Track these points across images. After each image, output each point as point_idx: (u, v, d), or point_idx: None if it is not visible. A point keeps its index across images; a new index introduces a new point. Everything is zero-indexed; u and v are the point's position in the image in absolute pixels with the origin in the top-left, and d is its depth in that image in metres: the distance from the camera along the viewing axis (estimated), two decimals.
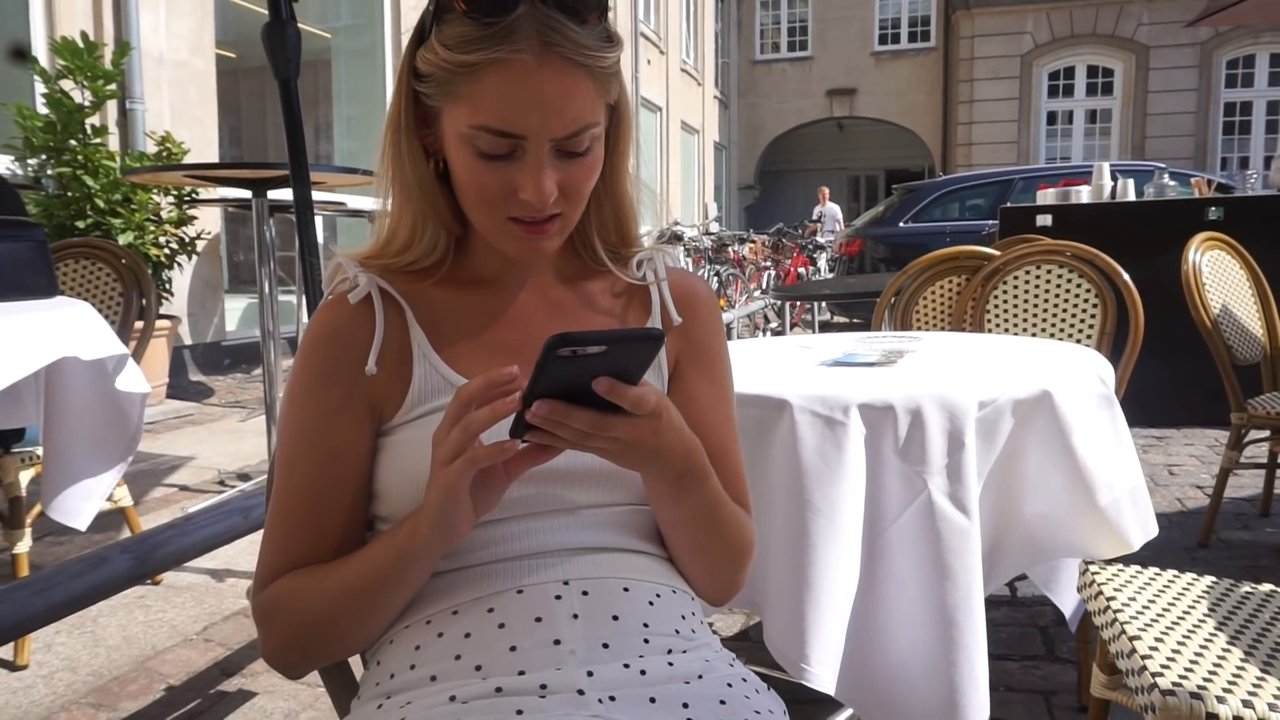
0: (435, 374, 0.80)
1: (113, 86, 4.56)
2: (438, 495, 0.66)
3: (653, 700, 0.71)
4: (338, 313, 0.80)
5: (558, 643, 0.72)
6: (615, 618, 0.75)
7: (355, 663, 0.85)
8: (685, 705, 0.71)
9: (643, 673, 0.72)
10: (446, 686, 0.71)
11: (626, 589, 0.77)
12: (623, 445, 0.65)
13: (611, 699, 0.70)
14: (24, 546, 1.99)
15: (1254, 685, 0.97)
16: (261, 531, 0.82)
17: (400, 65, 0.78)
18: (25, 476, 2.04)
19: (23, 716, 1.74)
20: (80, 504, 1.84)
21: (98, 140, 4.51)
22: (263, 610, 0.77)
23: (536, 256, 0.79)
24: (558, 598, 0.74)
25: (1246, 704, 0.92)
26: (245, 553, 2.49)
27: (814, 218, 13.83)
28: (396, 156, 0.79)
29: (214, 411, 4.73)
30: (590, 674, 0.71)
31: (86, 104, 4.44)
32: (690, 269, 8.37)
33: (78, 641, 2.05)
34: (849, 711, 1.64)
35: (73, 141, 4.39)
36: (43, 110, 4.43)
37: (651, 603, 0.77)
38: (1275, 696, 0.94)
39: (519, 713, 0.67)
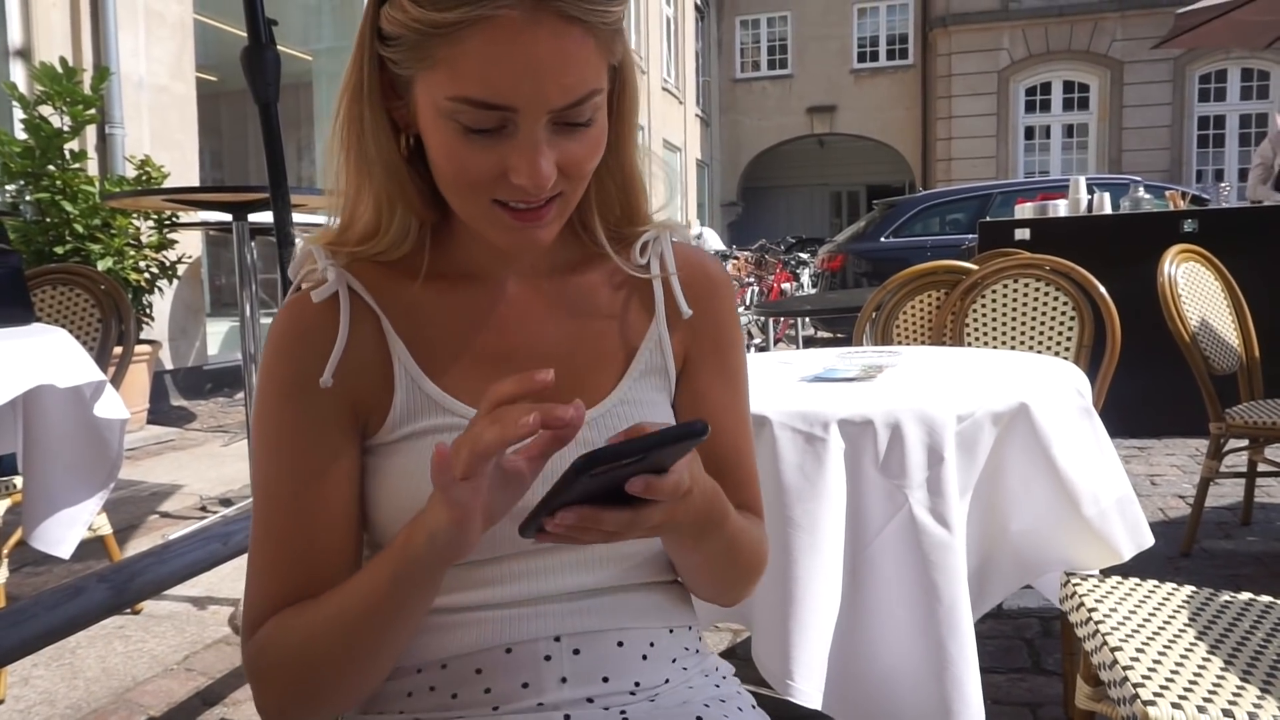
0: (419, 392, 0.71)
1: (92, 111, 4.56)
2: (445, 520, 0.57)
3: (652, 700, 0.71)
4: (301, 314, 0.70)
5: (541, 705, 0.70)
6: (605, 679, 0.72)
7: None
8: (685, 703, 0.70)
9: (623, 714, 0.71)
10: None
11: (621, 643, 0.73)
12: (655, 529, 0.60)
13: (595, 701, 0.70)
14: (0, 577, 1.96)
15: (1234, 694, 0.97)
16: (244, 557, 0.75)
17: (361, 26, 0.66)
18: (2, 506, 2.01)
19: None
20: (63, 532, 1.82)
21: (77, 165, 4.49)
22: (253, 658, 0.68)
23: (530, 248, 0.67)
24: (547, 658, 0.70)
25: (1226, 713, 0.93)
26: (227, 579, 2.46)
27: None
28: (356, 132, 0.67)
29: (196, 437, 4.69)
30: (567, 717, 0.70)
31: (66, 129, 4.43)
32: None
33: (55, 674, 2.02)
34: None
35: (51, 167, 4.37)
36: (21, 136, 4.41)
37: (645, 655, 0.74)
38: (1255, 704, 0.94)
39: None
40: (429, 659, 0.71)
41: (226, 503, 3.38)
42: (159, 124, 5.46)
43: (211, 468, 3.95)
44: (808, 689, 1.18)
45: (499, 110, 0.60)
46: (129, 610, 2.31)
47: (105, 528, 2.27)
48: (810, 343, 8.77)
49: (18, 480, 1.98)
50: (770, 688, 1.24)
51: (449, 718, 0.70)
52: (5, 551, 1.99)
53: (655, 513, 0.57)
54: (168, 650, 2.14)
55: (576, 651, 0.71)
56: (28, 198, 4.41)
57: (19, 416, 1.76)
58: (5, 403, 1.59)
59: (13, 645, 0.96)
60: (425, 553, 0.60)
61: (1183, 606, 1.21)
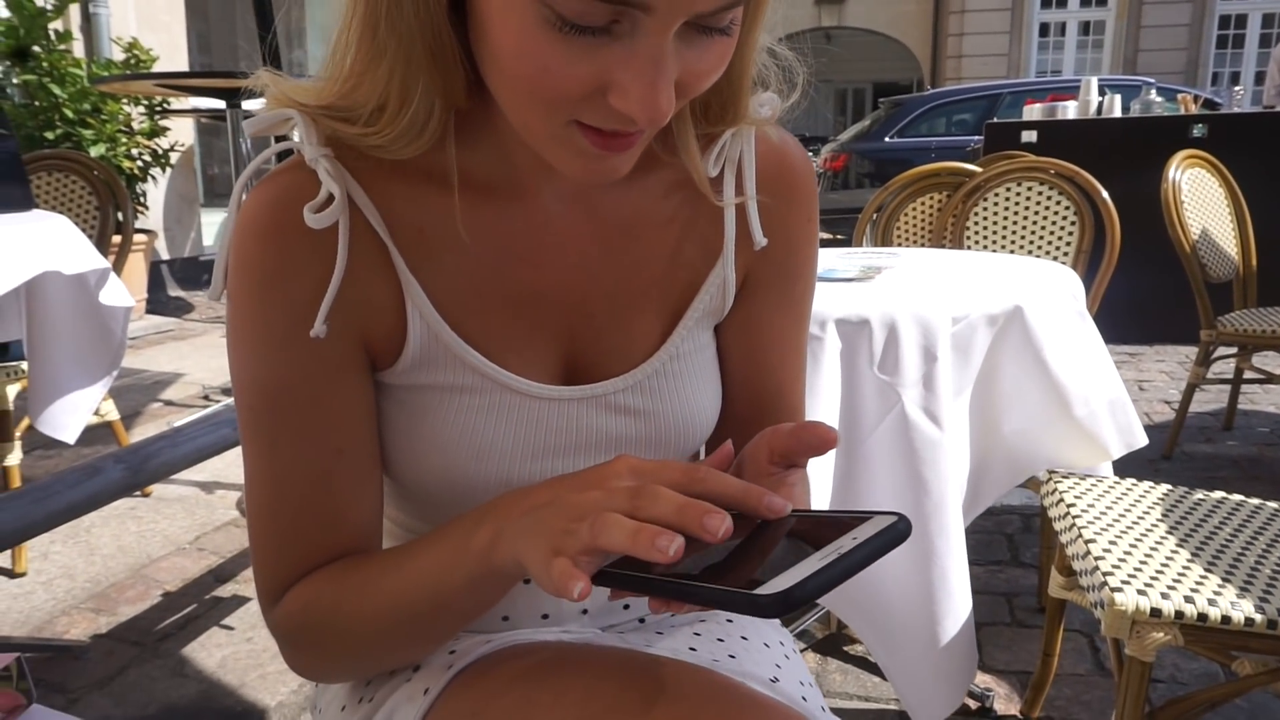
0: (435, 340, 0.57)
1: None
2: (542, 573, 0.43)
3: (659, 634, 0.67)
4: (288, 238, 0.53)
5: (565, 632, 0.66)
6: (626, 606, 0.68)
7: None
8: (697, 634, 0.66)
9: (641, 620, 0.69)
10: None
11: None
12: None
13: (614, 628, 0.68)
14: (14, 459, 2.02)
15: (1196, 582, 1.03)
16: None
17: None
18: (12, 391, 2.05)
19: (25, 620, 1.79)
20: (68, 417, 1.87)
21: (63, 46, 4.36)
22: (285, 629, 0.58)
23: (605, 179, 0.51)
24: None
25: (1188, 599, 0.99)
26: (233, 465, 2.53)
27: None
28: None
29: (195, 327, 4.71)
30: (585, 612, 0.68)
31: (49, 7, 4.28)
32: None
33: (73, 550, 2.10)
34: (822, 611, 1.73)
35: (36, 48, 4.24)
36: (3, 14, 4.27)
37: None
38: (1215, 592, 1.00)
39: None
40: None
41: (228, 392, 3.42)
42: (144, 3, 5.27)
43: (213, 357, 3.99)
44: None
45: (623, 5, 0.42)
46: (140, 493, 2.39)
47: (113, 413, 2.31)
48: None
49: (24, 365, 2.02)
50: None
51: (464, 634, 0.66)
52: (18, 434, 2.05)
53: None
54: (179, 530, 2.22)
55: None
56: (15, 80, 4.30)
57: (23, 303, 1.78)
58: (11, 290, 1.60)
59: (38, 519, 1.00)
60: (509, 574, 0.49)
61: (1156, 503, 1.26)
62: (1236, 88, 4.62)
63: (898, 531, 0.40)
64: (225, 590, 1.93)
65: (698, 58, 0.46)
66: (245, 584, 1.96)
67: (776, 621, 0.73)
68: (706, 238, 0.62)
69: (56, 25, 4.37)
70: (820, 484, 1.25)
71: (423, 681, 0.59)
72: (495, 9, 0.45)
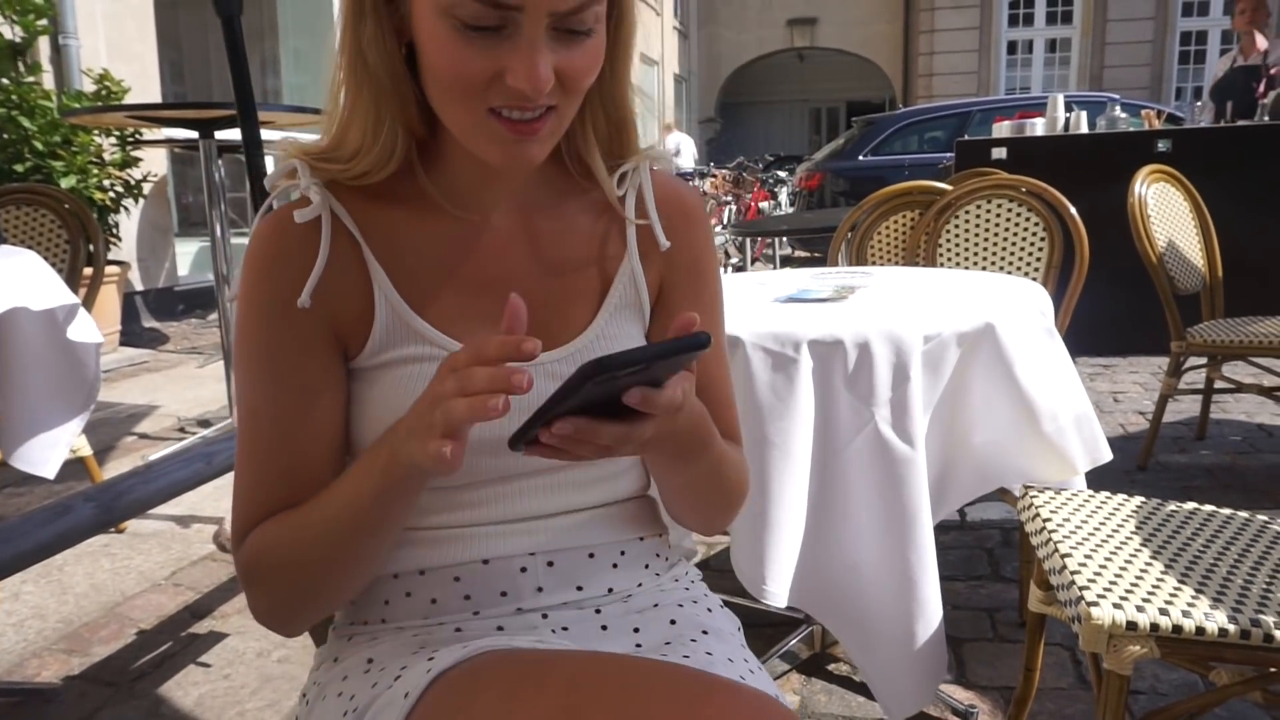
0: (398, 320, 0.72)
1: (44, 21, 4.37)
2: (428, 461, 0.57)
3: (604, 628, 0.74)
4: (284, 233, 0.70)
5: (520, 610, 0.74)
6: (579, 587, 0.76)
7: None
8: (636, 630, 0.74)
9: (597, 610, 0.76)
10: (412, 632, 0.74)
11: (592, 554, 0.77)
12: (645, 445, 0.60)
13: (564, 629, 0.73)
14: None
15: (1171, 594, 1.04)
16: (227, 476, 0.77)
17: None
18: None
19: None
20: (46, 453, 1.84)
21: (31, 79, 4.34)
22: (246, 566, 0.71)
23: (522, 163, 0.67)
24: (523, 570, 0.74)
25: (1163, 612, 1.00)
26: (209, 498, 2.50)
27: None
28: (354, 41, 0.66)
29: (170, 358, 4.67)
30: (545, 615, 0.74)
31: (18, 40, 4.25)
32: None
33: (45, 589, 2.06)
34: (806, 630, 1.73)
35: (4, 80, 4.22)
36: None
37: (615, 564, 0.78)
38: (1189, 603, 1.01)
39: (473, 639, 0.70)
40: (406, 568, 0.75)
41: (205, 424, 3.39)
42: (115, 34, 5.25)
43: (188, 389, 3.95)
44: (778, 590, 1.26)
45: (502, 8, 0.60)
46: (114, 529, 2.35)
47: (85, 449, 2.28)
48: (787, 261, 8.78)
49: None
50: (743, 596, 1.32)
51: (428, 624, 0.74)
52: None
53: (648, 427, 0.58)
54: (154, 566, 2.18)
55: (550, 564, 0.75)
56: None
57: None
58: None
59: (6, 560, 0.98)
60: (406, 476, 0.62)
61: (1131, 516, 1.27)
62: (1199, 103, 4.72)
63: (698, 340, 0.54)
64: (202, 627, 1.90)
65: (571, 55, 0.63)
66: (222, 620, 1.93)
67: (741, 640, 0.79)
68: (617, 244, 0.78)
69: (25, 58, 4.35)
70: (795, 499, 1.27)
71: (403, 686, 0.64)
72: (424, 33, 0.63)
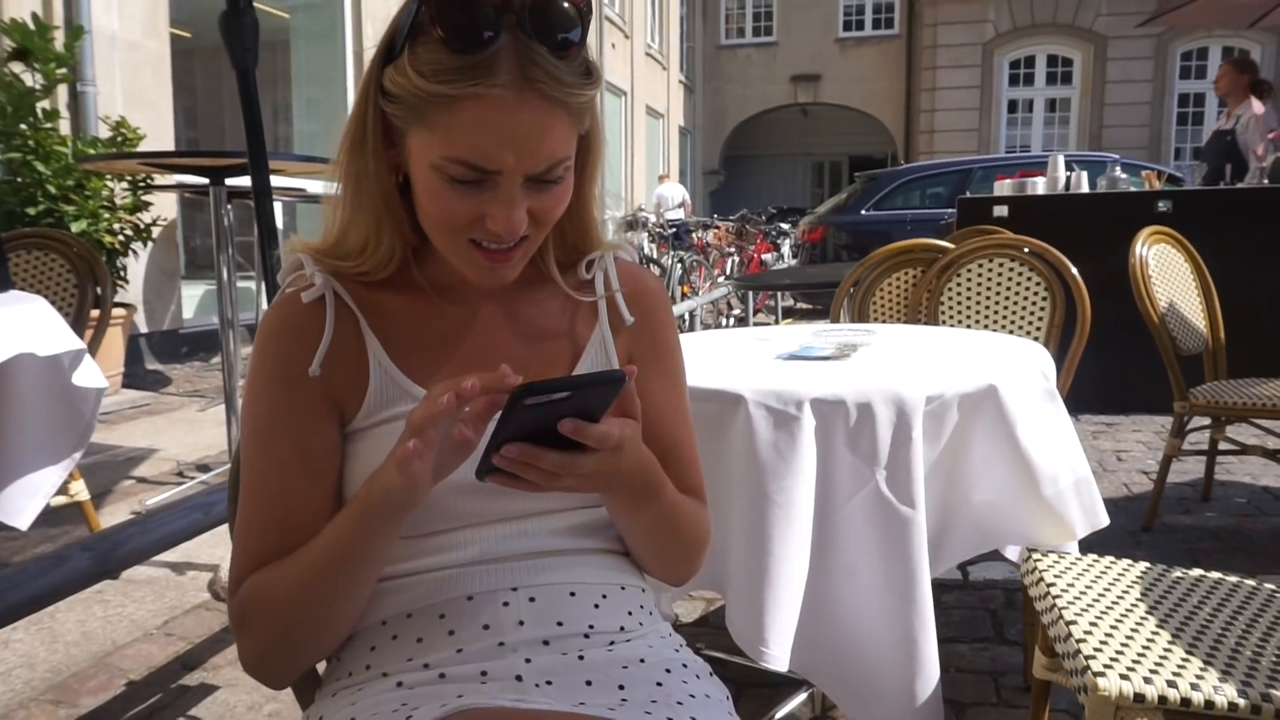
0: (391, 382, 0.80)
1: (64, 70, 4.46)
2: (399, 483, 0.67)
3: (589, 683, 0.75)
4: (291, 309, 0.79)
5: (501, 644, 0.76)
6: (560, 623, 0.78)
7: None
8: (621, 687, 0.75)
9: (580, 658, 0.76)
10: (396, 678, 0.75)
11: (573, 593, 0.80)
12: (587, 479, 0.68)
13: (549, 683, 0.74)
14: None
15: (1179, 665, 1.02)
16: (224, 526, 0.81)
17: (365, 80, 0.76)
18: None
19: None
20: (25, 502, 1.83)
21: (49, 125, 4.41)
22: (238, 611, 0.76)
23: (496, 283, 0.78)
24: (505, 604, 0.77)
25: (1171, 684, 0.98)
26: (205, 545, 2.47)
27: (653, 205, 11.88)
28: (356, 172, 0.77)
29: (172, 401, 4.67)
30: (528, 660, 0.75)
31: (38, 87, 4.33)
32: (655, 254, 8.38)
33: (35, 638, 2.03)
34: (805, 694, 1.69)
35: (23, 126, 4.29)
36: None
37: (597, 605, 0.80)
38: (1198, 675, 0.99)
39: (459, 696, 0.71)
40: (393, 613, 0.78)
41: (204, 468, 3.38)
42: (132, 82, 5.35)
43: (188, 433, 3.94)
44: (779, 653, 1.24)
45: (484, 172, 0.71)
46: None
47: (83, 493, 2.27)
48: (789, 313, 8.82)
49: None
50: (739, 654, 1.29)
51: (412, 666, 0.76)
52: None
53: (588, 460, 0.66)
54: (147, 615, 2.16)
55: (532, 599, 0.78)
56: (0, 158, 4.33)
57: None
58: None
59: (0, 612, 0.97)
60: (381, 504, 0.69)
61: (1136, 582, 1.26)
62: (1197, 163, 4.78)
63: (614, 375, 0.63)
64: (193, 679, 1.87)
65: (542, 199, 0.75)
66: (213, 671, 1.90)
67: (729, 708, 0.80)
68: (587, 319, 0.88)
69: (44, 104, 4.42)
70: (796, 558, 1.25)
71: None
72: (418, 178, 0.75)
